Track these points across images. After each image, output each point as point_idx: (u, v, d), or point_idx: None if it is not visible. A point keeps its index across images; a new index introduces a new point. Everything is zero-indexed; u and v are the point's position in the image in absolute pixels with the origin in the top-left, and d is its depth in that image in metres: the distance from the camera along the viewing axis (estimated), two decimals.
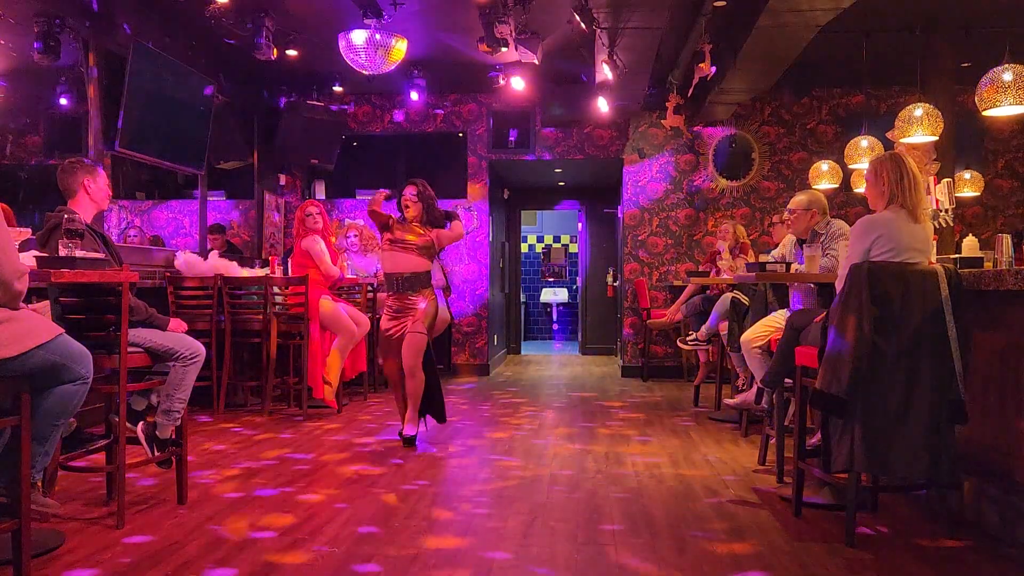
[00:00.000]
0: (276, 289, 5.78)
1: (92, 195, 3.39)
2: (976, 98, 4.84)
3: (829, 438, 3.06)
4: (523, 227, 12.08)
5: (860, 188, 6.42)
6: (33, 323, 2.51)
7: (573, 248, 14.10)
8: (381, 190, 4.95)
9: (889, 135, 6.03)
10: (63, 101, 6.04)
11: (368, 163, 9.67)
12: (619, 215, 9.33)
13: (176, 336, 3.33)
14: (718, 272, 6.38)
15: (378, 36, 5.35)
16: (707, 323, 6.05)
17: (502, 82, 7.26)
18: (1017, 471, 2.93)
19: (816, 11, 5.10)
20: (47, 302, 3.20)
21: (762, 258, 5.83)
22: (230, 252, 7.37)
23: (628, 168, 8.48)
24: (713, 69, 6.13)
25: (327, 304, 5.70)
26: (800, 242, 4.46)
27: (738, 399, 4.92)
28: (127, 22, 5.79)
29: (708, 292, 6.67)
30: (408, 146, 9.40)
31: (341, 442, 4.76)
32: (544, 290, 14.11)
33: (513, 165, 9.00)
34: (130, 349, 3.12)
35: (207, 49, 6.89)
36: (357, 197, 8.98)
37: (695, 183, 8.37)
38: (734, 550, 2.87)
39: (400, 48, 5.47)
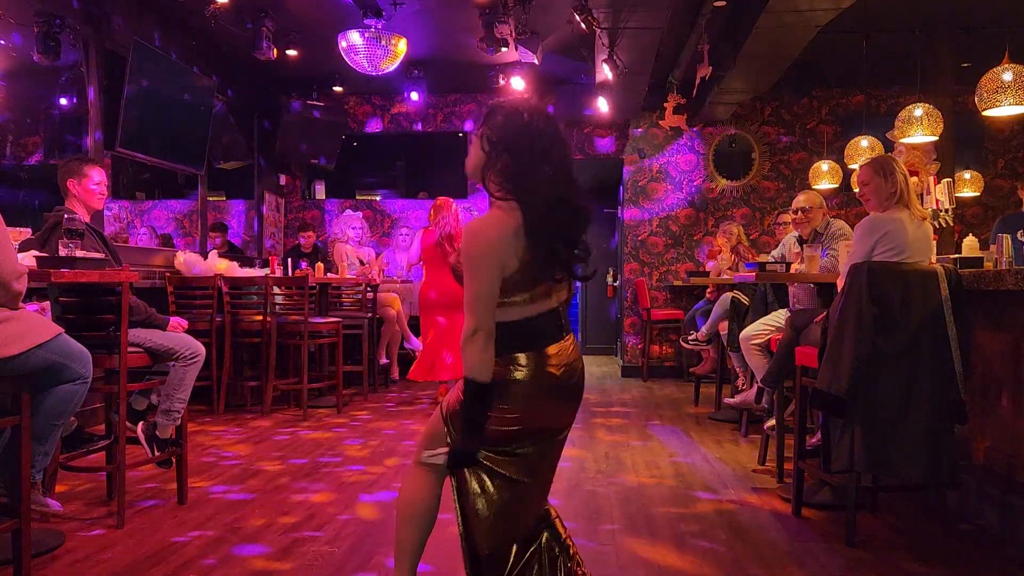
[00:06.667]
0: (276, 289, 5.78)
1: (79, 196, 3.37)
2: (976, 98, 4.84)
3: (829, 438, 3.06)
4: None
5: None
6: (33, 323, 2.52)
7: None
8: None
9: (889, 135, 6.02)
10: (63, 101, 6.04)
11: (368, 163, 9.66)
12: (619, 215, 9.34)
13: (176, 336, 3.33)
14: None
15: (378, 36, 5.35)
16: (707, 323, 6.06)
17: (502, 82, 7.26)
18: (1017, 471, 2.93)
19: (816, 11, 5.10)
20: (47, 302, 3.20)
21: (762, 258, 5.84)
22: (230, 252, 7.37)
23: (628, 168, 8.47)
24: (710, 69, 6.14)
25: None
26: (801, 242, 4.47)
27: (738, 399, 4.93)
28: (127, 22, 5.80)
29: (708, 293, 6.68)
30: (408, 146, 9.40)
31: (341, 442, 4.76)
32: None
33: None
34: (130, 349, 3.12)
35: (207, 49, 6.89)
36: (357, 197, 8.97)
37: (695, 183, 8.37)
38: (734, 550, 2.87)
39: (400, 48, 5.47)
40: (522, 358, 1.88)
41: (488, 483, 1.89)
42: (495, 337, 1.85)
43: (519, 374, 1.87)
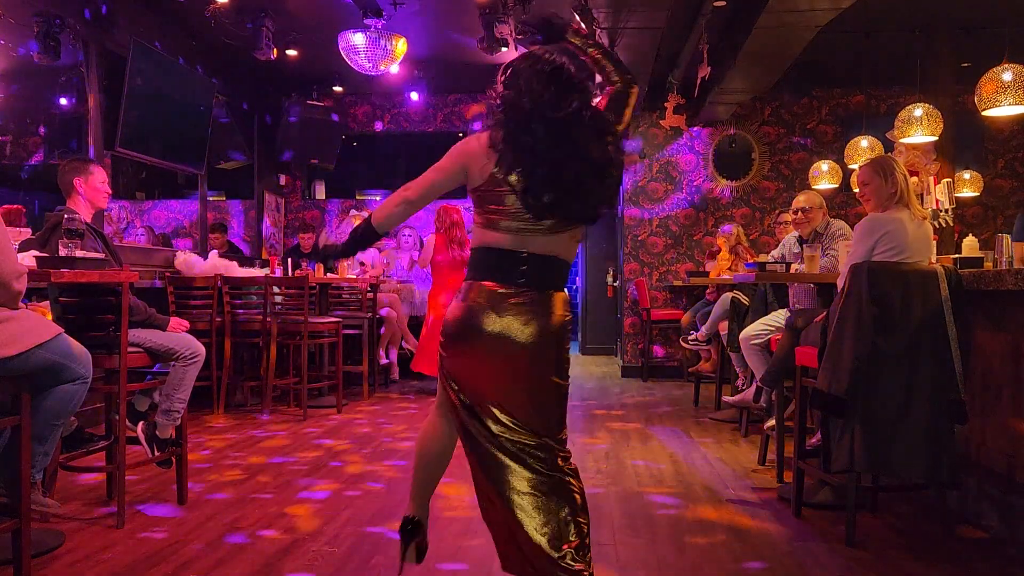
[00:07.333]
0: (276, 289, 5.78)
1: (85, 195, 3.38)
2: (976, 98, 4.84)
3: (829, 438, 3.06)
4: None
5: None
6: (32, 323, 2.51)
7: None
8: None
9: (889, 135, 6.03)
10: (63, 101, 6.04)
11: (368, 163, 9.66)
12: (619, 215, 9.35)
13: (176, 336, 3.33)
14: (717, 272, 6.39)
15: (378, 36, 5.35)
16: (707, 323, 6.06)
17: None
18: (1017, 471, 2.93)
19: (816, 11, 5.10)
20: (47, 303, 3.20)
21: (762, 258, 5.84)
22: (230, 252, 7.37)
23: (628, 168, 8.47)
24: (710, 69, 6.14)
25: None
26: (801, 242, 4.47)
27: (737, 397, 4.93)
28: (127, 22, 5.80)
29: (707, 294, 6.67)
30: (408, 146, 9.40)
31: (342, 442, 4.76)
32: None
33: None
34: (130, 349, 3.12)
35: (207, 49, 6.89)
36: (357, 198, 8.97)
37: (695, 183, 8.37)
38: (734, 550, 2.87)
39: (400, 48, 5.47)
40: (478, 287, 2.03)
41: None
42: (473, 263, 2.09)
43: (486, 319, 2.03)
